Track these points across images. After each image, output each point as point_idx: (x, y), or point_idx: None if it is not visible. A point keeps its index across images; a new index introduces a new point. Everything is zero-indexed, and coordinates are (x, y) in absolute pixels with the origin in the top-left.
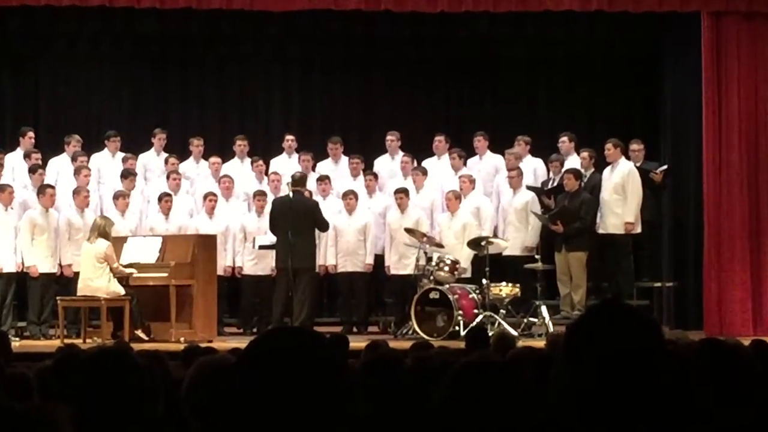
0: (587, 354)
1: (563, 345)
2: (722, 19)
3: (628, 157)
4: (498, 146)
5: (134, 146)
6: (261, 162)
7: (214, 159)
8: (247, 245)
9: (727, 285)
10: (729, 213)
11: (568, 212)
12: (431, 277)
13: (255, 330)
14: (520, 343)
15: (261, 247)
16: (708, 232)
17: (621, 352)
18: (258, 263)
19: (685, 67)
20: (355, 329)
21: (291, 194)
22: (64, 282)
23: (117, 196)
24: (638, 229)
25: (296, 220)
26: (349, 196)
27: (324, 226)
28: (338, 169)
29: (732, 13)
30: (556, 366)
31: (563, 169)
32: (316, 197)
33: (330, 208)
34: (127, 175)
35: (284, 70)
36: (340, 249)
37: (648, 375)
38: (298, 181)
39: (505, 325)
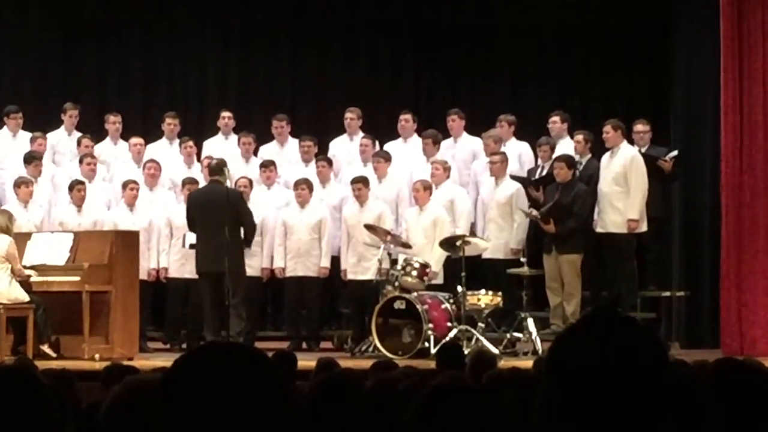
0: (575, 373)
1: (547, 361)
2: None
3: (631, 141)
4: (476, 127)
5: (40, 124)
6: (191, 143)
7: (135, 140)
8: (174, 243)
9: (749, 295)
10: (751, 209)
11: (563, 208)
12: (396, 284)
13: (184, 345)
14: (502, 363)
15: (192, 246)
16: (726, 232)
17: (616, 372)
18: (186, 264)
19: (701, 34)
20: (304, 345)
21: (227, 185)
22: None
23: (19, 184)
24: (643, 228)
25: (215, 215)
26: (302, 186)
27: (249, 223)
28: (285, 152)
29: None
30: (541, 388)
31: (554, 156)
32: (259, 186)
33: (275, 200)
34: (31, 159)
35: (221, 36)
36: (289, 249)
37: (649, 400)
38: (215, 169)
39: (484, 342)
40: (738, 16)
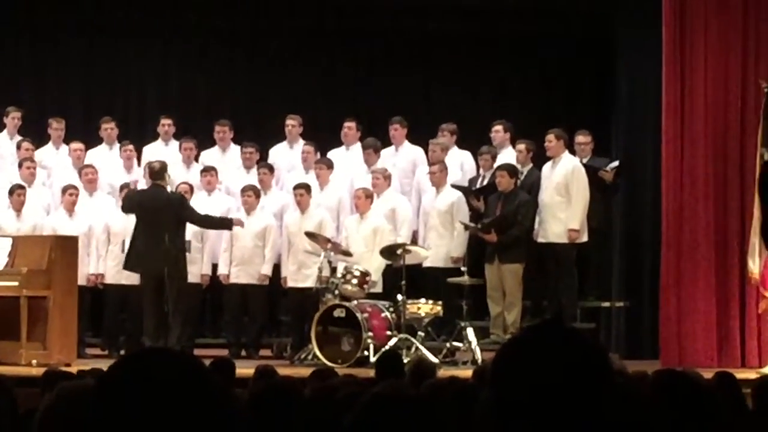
0: (519, 385)
1: (491, 373)
2: None
3: (573, 152)
4: (417, 136)
5: None
6: (131, 147)
7: (75, 145)
8: (112, 249)
9: (689, 306)
10: (692, 220)
11: (506, 221)
12: (336, 292)
13: (123, 351)
14: (441, 372)
15: None
16: (666, 243)
17: (560, 384)
18: (123, 270)
19: (643, 45)
20: (244, 352)
21: (169, 189)
22: None
23: None
24: (584, 238)
25: (157, 219)
26: (248, 193)
27: (199, 219)
28: (227, 158)
29: None
30: (482, 399)
31: (495, 165)
32: (199, 192)
33: (215, 206)
34: None
35: (161, 40)
36: (234, 256)
37: (592, 412)
38: (157, 172)
39: (424, 350)
40: (680, 28)
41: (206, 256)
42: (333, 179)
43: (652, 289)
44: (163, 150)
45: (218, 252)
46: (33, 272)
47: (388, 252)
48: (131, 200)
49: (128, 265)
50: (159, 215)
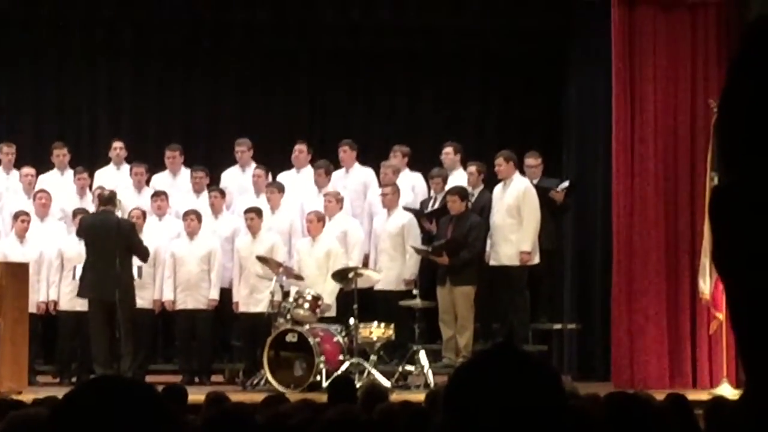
0: (472, 409)
1: (443, 397)
2: (636, 10)
3: (523, 173)
4: (369, 158)
5: None
6: (85, 175)
7: (26, 170)
8: (66, 275)
9: (640, 328)
10: (642, 240)
11: (457, 244)
12: (288, 316)
13: (75, 379)
14: (394, 396)
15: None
16: (617, 264)
17: (513, 408)
18: (77, 297)
19: (593, 66)
20: (196, 378)
21: (118, 215)
22: None
23: None
24: (535, 260)
25: (106, 244)
26: (191, 217)
27: (142, 253)
28: (177, 183)
29: (647, 3)
30: (435, 423)
31: (446, 187)
32: (151, 217)
33: (166, 230)
34: None
35: (114, 63)
36: (179, 281)
37: None
38: (106, 199)
39: (376, 375)
40: (629, 50)
41: (157, 281)
42: (284, 203)
43: (604, 310)
44: (115, 174)
45: None
46: None
47: (340, 276)
48: (84, 223)
49: (81, 292)
50: (108, 240)
